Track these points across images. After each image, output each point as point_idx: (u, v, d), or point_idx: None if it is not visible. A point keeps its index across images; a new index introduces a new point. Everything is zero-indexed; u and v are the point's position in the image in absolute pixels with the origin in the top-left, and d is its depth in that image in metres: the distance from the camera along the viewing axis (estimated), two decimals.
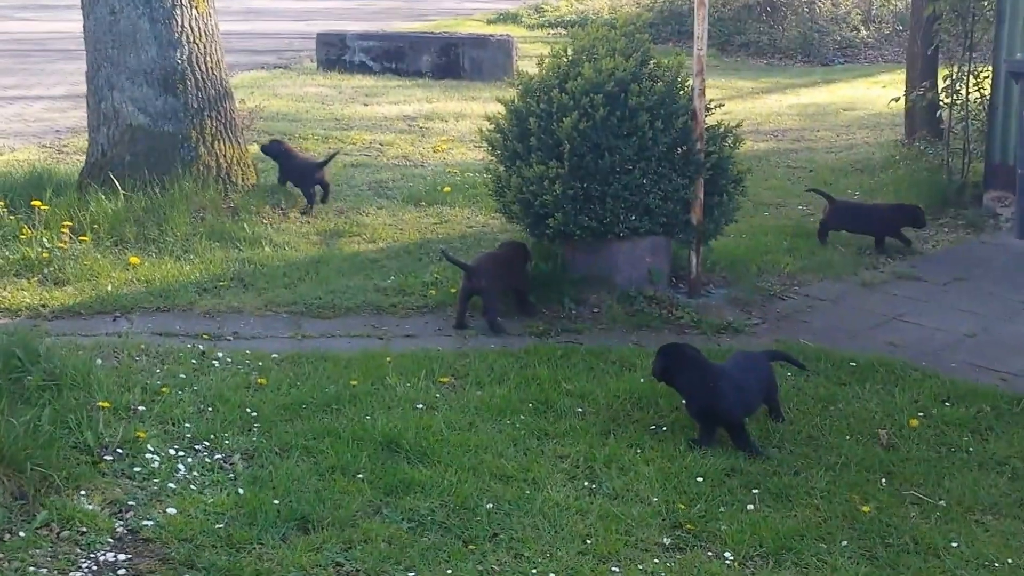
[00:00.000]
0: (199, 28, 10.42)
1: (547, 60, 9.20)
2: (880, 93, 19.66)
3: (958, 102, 12.31)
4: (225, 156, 10.49)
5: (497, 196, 9.34)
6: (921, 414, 7.14)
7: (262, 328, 8.29)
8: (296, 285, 9.07)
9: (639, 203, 8.77)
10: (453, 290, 8.99)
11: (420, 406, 6.96)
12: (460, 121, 15.89)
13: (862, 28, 25.40)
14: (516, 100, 9.04)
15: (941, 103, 12.83)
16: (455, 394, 7.21)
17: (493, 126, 9.22)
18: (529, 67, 22.04)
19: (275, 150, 11.21)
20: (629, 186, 8.70)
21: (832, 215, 10.70)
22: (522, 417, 6.88)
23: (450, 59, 19.99)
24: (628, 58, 8.80)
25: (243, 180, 10.63)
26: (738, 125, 9.33)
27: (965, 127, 12.21)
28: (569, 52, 9.11)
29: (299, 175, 11.17)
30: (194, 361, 7.52)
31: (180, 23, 10.28)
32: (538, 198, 8.72)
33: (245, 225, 10.03)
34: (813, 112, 18.28)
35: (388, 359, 7.59)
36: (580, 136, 8.56)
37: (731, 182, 9.23)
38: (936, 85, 13.50)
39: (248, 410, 6.80)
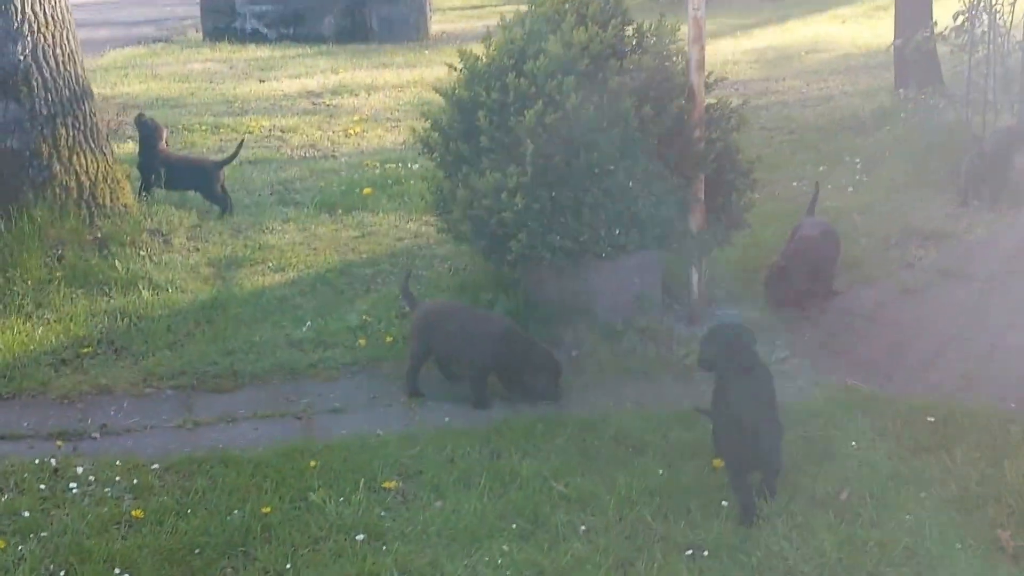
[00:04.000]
0: (46, 13, 8.14)
1: (495, 36, 7.06)
2: (841, 30, 17.85)
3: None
4: (87, 172, 8.26)
5: (440, 212, 7.25)
6: None
7: (140, 415, 6.20)
8: (184, 344, 6.95)
9: (625, 212, 6.75)
10: (389, 339, 6.92)
11: (360, 536, 4.92)
12: (372, 95, 13.82)
13: None
14: (459, 89, 6.92)
15: (948, 43, 10.70)
16: (406, 510, 5.18)
17: (429, 123, 7.09)
18: (446, 25, 20.32)
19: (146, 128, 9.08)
20: (611, 192, 6.67)
21: None
22: (504, 547, 4.84)
23: (355, 20, 17.85)
24: (605, 26, 6.72)
25: (112, 200, 8.40)
26: (744, 103, 7.30)
27: (988, 72, 10.16)
28: (527, 23, 6.97)
29: (197, 180, 9.03)
30: (43, 487, 5.42)
31: (20, 8, 8.00)
32: (494, 215, 6.67)
33: (116, 262, 7.84)
34: (773, 57, 16.34)
35: (312, 462, 5.49)
36: (546, 132, 6.51)
37: (739, 175, 7.21)
38: (932, 23, 11.39)
39: (117, 571, 4.71)
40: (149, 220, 8.54)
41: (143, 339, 6.98)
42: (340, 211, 9.44)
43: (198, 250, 8.38)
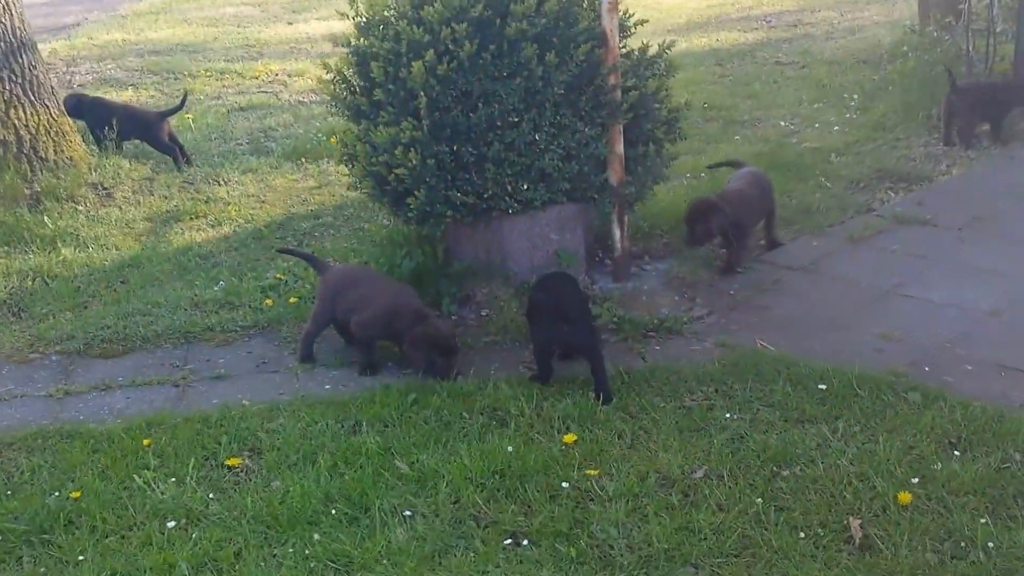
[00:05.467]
0: None
1: None
2: None
3: None
4: (27, 126, 8.16)
5: (349, 167, 6.97)
6: (917, 479, 4.81)
7: (15, 382, 6.08)
8: (88, 306, 6.84)
9: (531, 166, 6.40)
10: (294, 300, 6.72)
11: (172, 524, 4.72)
12: None
13: None
14: (355, 38, 6.61)
15: None
16: (237, 492, 4.96)
17: (334, 74, 6.79)
18: None
19: (74, 106, 8.90)
20: (515, 145, 6.33)
21: None
22: (317, 536, 4.61)
23: None
24: None
25: (57, 153, 8.31)
26: (669, 46, 6.86)
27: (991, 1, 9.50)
28: None
29: (142, 130, 8.91)
30: None
31: None
32: (392, 171, 6.37)
33: (47, 218, 7.74)
34: None
35: (146, 440, 5.31)
36: (440, 83, 6.18)
37: (660, 126, 6.80)
38: None
39: None
40: (94, 173, 8.42)
41: (47, 301, 6.88)
42: (305, 160, 9.23)
43: (140, 204, 8.25)
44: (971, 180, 8.16)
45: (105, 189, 8.31)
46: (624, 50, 6.82)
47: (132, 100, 11.06)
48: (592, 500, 4.78)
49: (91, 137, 9.01)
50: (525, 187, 6.45)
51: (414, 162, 6.22)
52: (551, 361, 5.81)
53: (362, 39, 6.54)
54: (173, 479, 5.02)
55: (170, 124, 9.01)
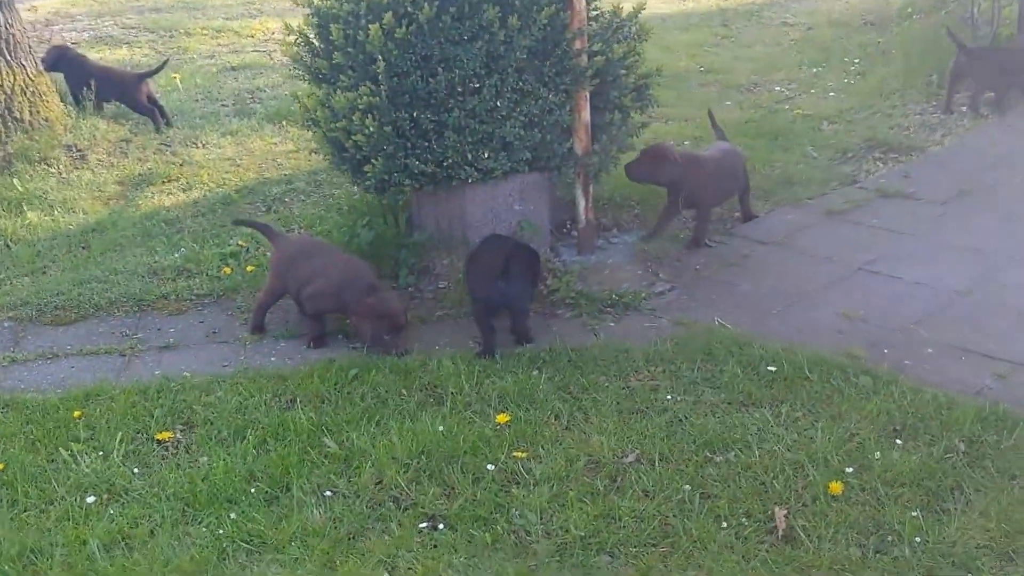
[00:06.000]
0: None
1: None
2: None
3: None
4: (2, 86, 8.08)
5: (312, 131, 6.84)
6: (852, 468, 4.66)
7: None
8: (47, 271, 6.79)
9: (492, 134, 6.25)
10: (251, 268, 6.63)
11: (92, 499, 4.65)
12: None
13: None
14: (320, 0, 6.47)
15: None
16: (163, 467, 4.89)
17: (296, 35, 6.65)
18: None
19: (56, 59, 8.81)
20: (477, 112, 6.17)
21: None
22: (233, 515, 4.53)
23: None
24: None
25: (32, 115, 8.23)
26: (640, 9, 6.65)
27: None
28: None
29: (119, 92, 8.82)
30: None
31: None
32: (350, 137, 6.24)
33: (16, 180, 7.68)
34: None
35: (76, 412, 5.24)
36: (399, 47, 6.03)
37: (628, 93, 6.61)
38: None
39: None
40: (70, 135, 8.35)
41: (7, 266, 6.84)
42: (287, 122, 9.11)
43: (113, 167, 8.18)
44: (962, 151, 7.91)
45: (79, 151, 8.24)
46: (595, 12, 6.64)
47: (125, 59, 10.97)
48: (517, 484, 4.67)
49: (70, 98, 8.92)
50: (486, 155, 6.29)
51: (371, 129, 6.08)
52: (492, 325, 5.71)
53: (327, 0, 6.38)
54: (101, 453, 4.96)
55: (149, 85, 8.90)
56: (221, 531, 4.44)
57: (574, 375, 5.45)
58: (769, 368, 5.38)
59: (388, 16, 6.01)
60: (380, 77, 6.08)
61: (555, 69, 6.30)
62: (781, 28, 11.25)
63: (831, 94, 9.13)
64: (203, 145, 8.59)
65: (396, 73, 6.09)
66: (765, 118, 8.57)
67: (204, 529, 4.46)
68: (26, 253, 6.92)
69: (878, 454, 4.72)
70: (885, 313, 5.94)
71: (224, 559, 4.29)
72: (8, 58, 8.16)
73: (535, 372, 5.48)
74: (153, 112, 8.83)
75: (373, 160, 6.22)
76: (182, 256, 6.82)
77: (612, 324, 6.03)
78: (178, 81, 10.11)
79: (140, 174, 8.04)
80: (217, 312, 6.34)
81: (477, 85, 6.18)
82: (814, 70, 9.74)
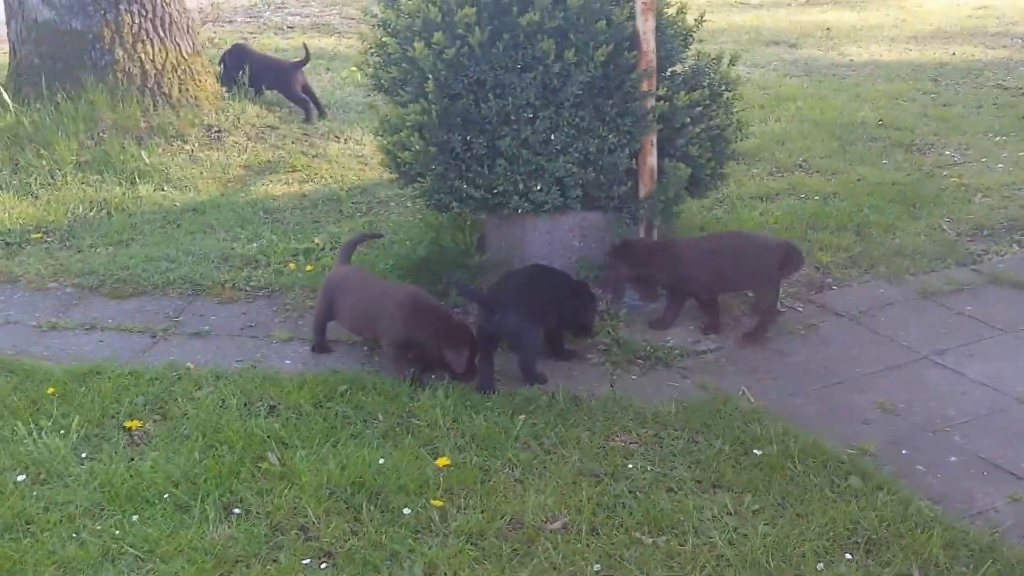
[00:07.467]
0: None
1: None
2: None
3: None
4: (154, 61, 8.49)
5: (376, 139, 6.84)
6: None
7: (17, 308, 6.36)
8: (128, 244, 7.07)
9: (545, 168, 6.07)
10: (309, 268, 6.71)
11: (22, 477, 4.77)
12: None
13: None
14: (381, 9, 6.46)
15: None
16: (113, 457, 4.88)
17: (371, 45, 6.68)
18: None
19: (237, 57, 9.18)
20: (530, 143, 6.02)
21: None
22: (135, 518, 4.53)
23: None
24: None
25: (181, 92, 8.60)
26: (733, 60, 6.31)
27: None
28: None
29: (274, 79, 9.10)
30: None
31: None
32: (404, 151, 6.21)
33: (144, 153, 8.04)
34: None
35: (50, 389, 5.41)
36: (448, 68, 5.95)
37: (694, 142, 6.29)
38: None
39: None
40: (216, 115, 8.66)
41: (98, 233, 7.15)
42: None
43: (245, 151, 8.44)
44: None
45: (218, 131, 8.54)
46: (693, 56, 6.37)
47: (334, 46, 11.28)
48: (430, 531, 4.51)
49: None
50: (538, 188, 6.13)
51: (418, 147, 6.03)
52: (491, 358, 5.57)
53: (388, 11, 6.37)
54: (61, 432, 5.09)
55: (304, 75, 9.13)
56: (118, 532, 4.44)
57: (557, 426, 5.23)
58: (755, 451, 5.00)
59: (438, 35, 5.91)
60: (431, 96, 6.00)
61: (617, 109, 6.06)
62: (992, 90, 10.43)
63: (1000, 165, 8.39)
64: (343, 140, 8.73)
65: (447, 94, 6.01)
66: (916, 182, 7.97)
67: (99, 527, 4.47)
68: (122, 224, 7.23)
69: (821, 566, 4.30)
70: (927, 409, 5.42)
71: (106, 561, 4.30)
72: (162, 34, 8.55)
73: (520, 417, 5.29)
74: (306, 102, 9.07)
75: (421, 178, 6.16)
76: (259, 246, 6.97)
77: (634, 377, 5.75)
78: (358, 76, 10.31)
79: (268, 161, 8.26)
80: (264, 306, 6.43)
81: (531, 116, 6.02)
82: (999, 138, 8.98)
